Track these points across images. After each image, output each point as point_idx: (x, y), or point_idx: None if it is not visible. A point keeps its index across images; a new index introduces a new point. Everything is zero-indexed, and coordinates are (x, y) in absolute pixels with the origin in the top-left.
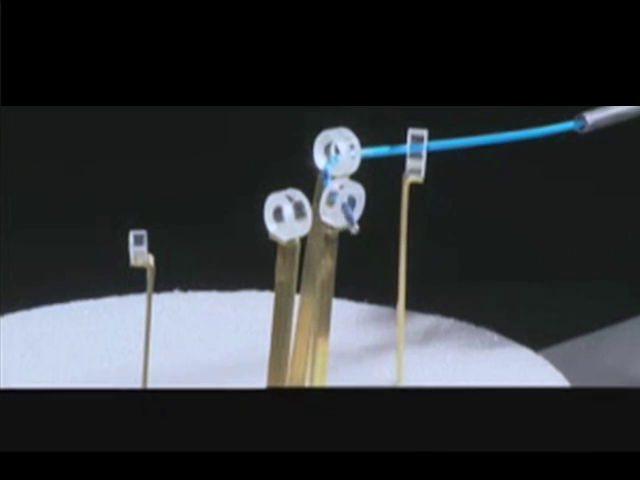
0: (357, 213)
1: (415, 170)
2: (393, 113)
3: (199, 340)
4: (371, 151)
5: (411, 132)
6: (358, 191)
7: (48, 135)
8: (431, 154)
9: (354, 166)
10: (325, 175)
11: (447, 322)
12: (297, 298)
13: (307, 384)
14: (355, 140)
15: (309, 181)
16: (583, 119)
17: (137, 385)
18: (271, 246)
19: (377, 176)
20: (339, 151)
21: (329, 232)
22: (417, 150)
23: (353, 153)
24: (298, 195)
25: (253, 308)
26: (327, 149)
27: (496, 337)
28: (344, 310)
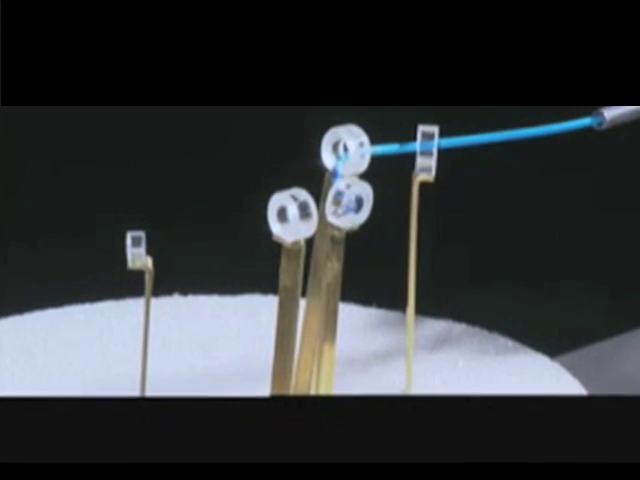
0: (365, 213)
1: (425, 168)
2: (401, 112)
3: (199, 346)
4: (380, 149)
5: (421, 129)
6: (366, 190)
7: (48, 135)
8: (442, 152)
9: (363, 165)
10: (335, 174)
11: (459, 327)
12: (302, 302)
13: (312, 392)
14: (365, 137)
15: (314, 180)
16: (601, 115)
17: (135, 393)
18: (275, 248)
19: (385, 175)
20: (347, 149)
21: (335, 233)
22: (427, 147)
23: (363, 151)
24: (303, 194)
25: (256, 313)
26: (335, 147)
27: (510, 343)
28: (351, 315)
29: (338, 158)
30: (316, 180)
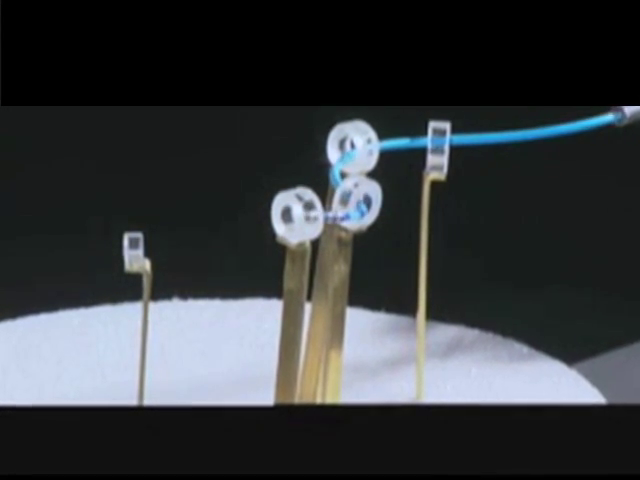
0: (373, 213)
1: (437, 167)
2: (407, 112)
3: (200, 353)
4: (389, 143)
5: (432, 125)
6: (374, 190)
7: (48, 135)
8: (454, 150)
9: (371, 163)
10: (334, 171)
11: (472, 333)
12: (308, 307)
13: (318, 401)
14: (372, 134)
15: (321, 179)
16: (621, 111)
17: (132, 402)
18: (279, 250)
19: (395, 173)
20: (355, 146)
21: (342, 235)
22: (439, 144)
23: (370, 147)
24: (308, 194)
25: (259, 318)
26: (342, 144)
27: (525, 349)
28: (359, 320)
29: (342, 155)
30: (323, 178)
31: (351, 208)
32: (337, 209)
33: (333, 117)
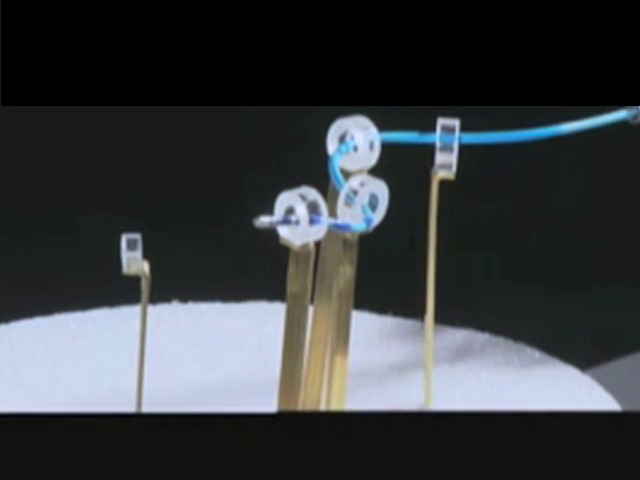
0: (380, 214)
1: (445, 165)
2: (413, 112)
3: (200, 357)
4: (395, 136)
5: (441, 122)
6: (381, 189)
7: (48, 135)
8: (463, 148)
9: (373, 158)
10: (332, 164)
11: (481, 337)
12: (311, 310)
13: (323, 407)
14: (373, 129)
15: (325, 178)
16: (636, 108)
17: (130, 409)
18: (282, 252)
19: (402, 172)
20: (355, 142)
21: (347, 236)
22: (447, 142)
23: (370, 138)
24: (312, 194)
25: (262, 321)
26: (342, 140)
27: (537, 354)
28: (365, 324)
29: (339, 147)
30: (327, 178)
31: (357, 213)
32: (342, 210)
33: (336, 116)
